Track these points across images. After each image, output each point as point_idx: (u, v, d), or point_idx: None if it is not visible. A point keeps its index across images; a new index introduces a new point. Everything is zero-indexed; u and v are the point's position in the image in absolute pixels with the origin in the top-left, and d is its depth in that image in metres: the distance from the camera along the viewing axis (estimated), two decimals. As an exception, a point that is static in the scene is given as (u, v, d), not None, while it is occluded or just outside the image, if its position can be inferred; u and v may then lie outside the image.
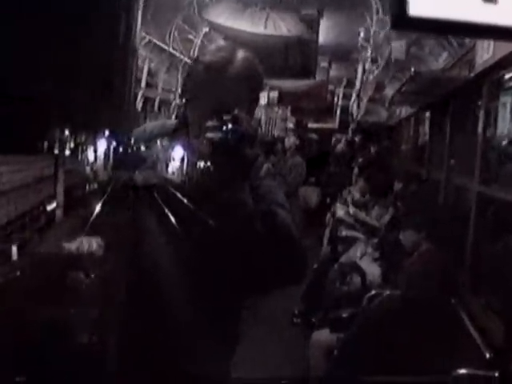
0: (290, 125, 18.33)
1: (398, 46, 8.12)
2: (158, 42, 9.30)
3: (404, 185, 8.73)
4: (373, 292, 5.55)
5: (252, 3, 9.65)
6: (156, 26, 8.76)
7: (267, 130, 17.17)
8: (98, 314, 2.35)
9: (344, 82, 16.69)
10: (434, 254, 5.15)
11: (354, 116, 14.76)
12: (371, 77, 11.21)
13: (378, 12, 8.84)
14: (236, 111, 2.03)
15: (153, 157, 2.47)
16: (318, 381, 5.00)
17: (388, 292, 5.34)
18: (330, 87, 16.57)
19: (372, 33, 9.49)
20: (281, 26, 10.07)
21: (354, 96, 14.35)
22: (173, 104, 10.53)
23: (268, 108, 16.76)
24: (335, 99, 17.91)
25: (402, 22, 1.45)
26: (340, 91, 17.40)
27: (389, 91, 10.28)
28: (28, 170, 3.89)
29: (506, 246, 5.09)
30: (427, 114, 9.68)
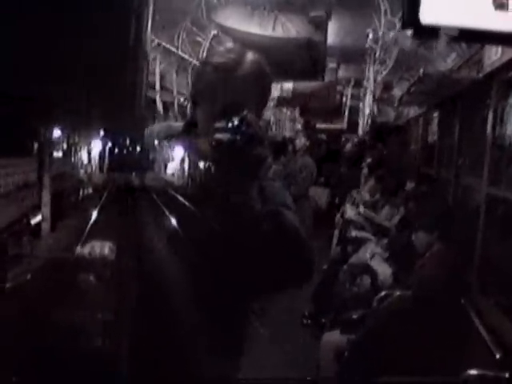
0: (299, 126, 18.33)
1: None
2: (166, 45, 9.33)
3: (415, 185, 8.72)
4: (383, 293, 5.55)
5: (260, 6, 9.64)
6: (165, 29, 8.78)
7: (276, 131, 17.17)
8: (107, 317, 2.36)
9: (352, 83, 16.66)
10: (445, 255, 5.15)
11: (363, 116, 14.74)
12: (379, 77, 11.20)
13: (386, 13, 8.84)
14: (245, 112, 2.04)
15: (153, 158, 2.48)
16: (327, 382, 5.02)
17: (398, 293, 5.34)
18: (339, 88, 16.54)
19: (380, 34, 9.48)
20: (289, 28, 10.05)
21: (362, 96, 14.33)
22: (180, 106, 10.55)
23: (277, 109, 16.77)
24: (344, 100, 17.89)
25: (415, 29, 1.46)
26: (348, 92, 17.37)
27: (397, 91, 10.28)
28: (12, 175, 3.49)
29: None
30: (436, 115, 9.68)
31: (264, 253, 2.07)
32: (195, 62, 9.78)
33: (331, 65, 13.49)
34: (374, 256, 6.82)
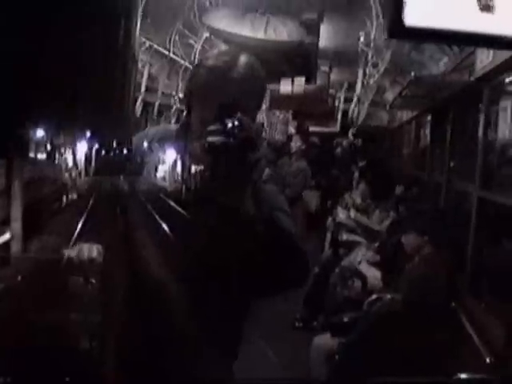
0: (292, 129, 18.34)
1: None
2: (158, 47, 9.33)
3: (405, 188, 8.74)
4: (374, 296, 5.55)
5: (252, 8, 9.66)
6: (156, 31, 8.79)
7: (269, 134, 17.19)
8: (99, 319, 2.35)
9: (345, 86, 16.69)
10: (436, 258, 5.16)
11: (355, 120, 14.77)
12: (372, 81, 11.22)
13: (378, 17, 8.86)
14: (238, 115, 2.04)
15: (142, 161, 2.47)
16: (319, 384, 5.01)
17: (389, 296, 5.34)
18: (331, 91, 16.56)
19: (372, 37, 9.50)
20: (281, 31, 10.07)
21: (354, 100, 14.36)
22: (174, 108, 10.55)
23: (269, 112, 16.78)
24: (336, 103, 17.91)
25: (399, 31, 1.45)
26: (341, 95, 17.40)
27: (389, 95, 10.29)
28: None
29: (507, 250, 5.10)
30: (428, 118, 9.69)
31: (258, 257, 2.07)
32: (187, 64, 9.79)
33: (323, 68, 13.53)
34: (364, 260, 6.83)
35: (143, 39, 8.11)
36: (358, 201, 9.44)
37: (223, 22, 9.56)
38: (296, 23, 10.12)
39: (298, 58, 10.97)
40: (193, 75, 2.41)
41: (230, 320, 2.31)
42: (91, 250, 2.33)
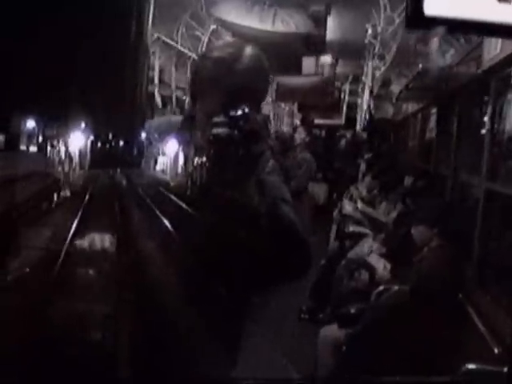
0: (297, 121, 18.34)
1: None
2: (166, 39, 9.34)
3: (413, 180, 8.72)
4: (381, 288, 5.55)
5: (260, 0, 9.65)
6: (164, 23, 8.79)
7: (275, 126, 17.18)
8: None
9: (350, 79, 16.68)
10: (444, 250, 5.15)
11: (361, 112, 14.76)
12: (378, 73, 11.22)
13: (385, 9, 8.86)
14: (243, 107, 2.04)
15: (142, 153, 2.48)
16: (325, 379, 5.02)
17: (396, 287, 5.35)
18: (337, 83, 16.55)
19: (379, 29, 9.49)
20: (289, 23, 10.07)
21: (360, 92, 14.35)
22: (176, 99, 10.57)
23: (275, 104, 16.77)
24: (342, 95, 17.90)
25: (418, 21, 1.46)
26: (346, 87, 17.39)
27: (395, 87, 10.28)
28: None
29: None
30: (434, 110, 9.68)
31: (261, 247, 2.07)
32: (194, 56, 9.80)
33: (329, 60, 13.52)
34: (371, 251, 6.82)
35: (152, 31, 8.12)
36: (364, 193, 9.44)
37: (231, 13, 9.54)
38: (303, 15, 10.11)
39: (305, 50, 10.96)
40: (198, 67, 2.40)
41: (233, 314, 2.31)
42: (103, 240, 2.34)
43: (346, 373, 5.06)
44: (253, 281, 2.21)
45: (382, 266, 6.25)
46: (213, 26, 9.91)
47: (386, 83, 11.44)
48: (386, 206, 8.46)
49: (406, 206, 7.48)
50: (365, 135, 15.85)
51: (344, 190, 11.09)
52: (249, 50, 2.27)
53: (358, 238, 7.82)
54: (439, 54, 7.62)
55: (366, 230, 8.01)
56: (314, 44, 10.71)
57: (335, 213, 10.12)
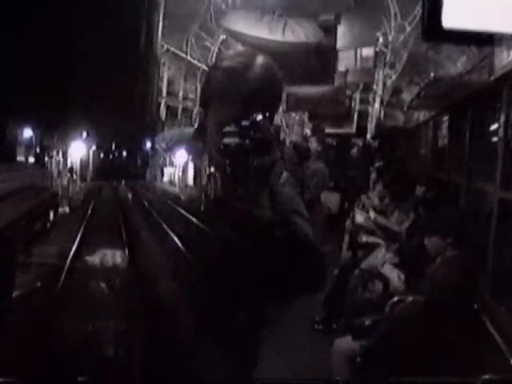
0: (308, 130, 18.33)
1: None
2: (175, 50, 9.36)
3: (426, 189, 8.68)
4: (395, 298, 5.51)
5: (270, 10, 9.65)
6: (173, 34, 8.80)
7: (287, 136, 17.21)
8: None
9: (361, 87, 16.67)
10: (459, 260, 5.12)
11: (372, 120, 14.75)
12: (389, 81, 11.20)
13: (396, 17, 8.84)
14: (255, 117, 2.01)
15: (148, 164, 2.45)
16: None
17: (410, 298, 5.31)
18: (348, 92, 16.54)
19: (390, 38, 9.49)
20: (299, 33, 10.07)
21: (371, 101, 14.34)
22: (185, 110, 10.59)
23: (285, 113, 16.79)
24: (353, 104, 17.89)
25: (436, 33, 1.42)
26: (357, 96, 17.39)
27: (406, 95, 10.26)
28: None
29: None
30: (446, 118, 9.65)
31: (276, 261, 2.04)
32: (204, 66, 9.81)
33: (340, 69, 13.52)
34: (385, 262, 6.78)
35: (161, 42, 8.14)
36: (376, 202, 9.40)
37: (240, 24, 9.54)
38: (314, 25, 10.12)
39: (316, 60, 10.96)
40: (209, 77, 2.38)
41: (247, 325, 2.28)
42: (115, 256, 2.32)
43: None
44: (267, 294, 2.19)
45: (395, 276, 6.21)
46: (222, 37, 9.93)
47: (397, 91, 11.42)
48: (399, 215, 8.41)
49: (418, 215, 7.44)
50: (376, 144, 15.84)
51: (356, 198, 11.06)
52: (260, 59, 2.24)
53: (370, 248, 7.79)
54: (451, 61, 7.59)
55: (379, 240, 7.97)
56: (325, 53, 10.70)
57: (347, 222, 10.08)
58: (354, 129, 18.49)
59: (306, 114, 18.23)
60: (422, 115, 11.76)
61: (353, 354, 5.38)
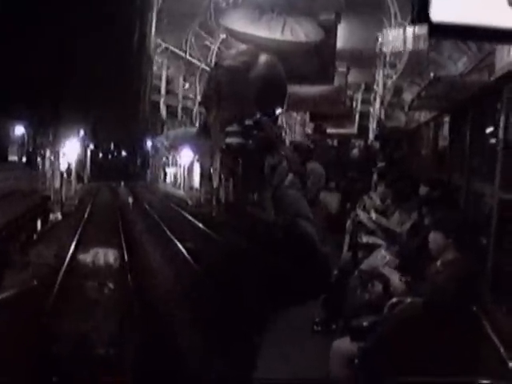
0: (309, 130, 18.33)
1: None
2: (174, 49, 9.35)
3: (428, 190, 8.65)
4: (394, 300, 5.48)
5: (269, 9, 9.63)
6: (172, 33, 8.79)
7: (288, 136, 17.21)
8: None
9: (362, 87, 16.67)
10: (460, 264, 5.09)
11: (373, 121, 14.74)
12: (390, 82, 11.19)
13: (396, 16, 8.82)
14: (257, 116, 1.98)
15: (144, 164, 2.43)
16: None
17: (409, 300, 5.28)
18: (349, 92, 16.53)
19: (390, 38, 9.47)
20: (298, 32, 10.04)
21: (372, 101, 14.34)
22: (185, 109, 10.60)
23: (287, 114, 16.78)
24: (354, 104, 17.88)
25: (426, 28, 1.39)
26: (358, 96, 17.38)
27: (407, 96, 10.25)
28: None
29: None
30: (447, 119, 9.63)
31: (280, 264, 2.01)
32: (203, 66, 9.80)
33: (341, 69, 13.49)
34: (385, 263, 6.75)
35: (159, 41, 8.10)
36: (378, 202, 9.36)
37: (240, 22, 9.52)
38: (313, 24, 10.09)
39: (316, 59, 10.94)
40: (211, 76, 2.34)
41: (251, 327, 2.26)
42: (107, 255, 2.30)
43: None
44: (270, 297, 2.16)
45: (395, 277, 6.17)
46: (222, 36, 9.92)
47: (397, 91, 11.41)
48: (400, 216, 8.37)
49: (421, 215, 7.40)
50: (377, 144, 15.83)
51: (357, 199, 11.03)
52: (263, 58, 2.20)
53: (371, 248, 7.75)
54: (451, 61, 7.58)
55: (380, 241, 7.94)
56: (325, 53, 10.68)
57: (348, 223, 10.06)
58: (355, 129, 18.49)
59: (308, 114, 18.22)
60: (422, 116, 11.75)
61: (351, 355, 5.35)
